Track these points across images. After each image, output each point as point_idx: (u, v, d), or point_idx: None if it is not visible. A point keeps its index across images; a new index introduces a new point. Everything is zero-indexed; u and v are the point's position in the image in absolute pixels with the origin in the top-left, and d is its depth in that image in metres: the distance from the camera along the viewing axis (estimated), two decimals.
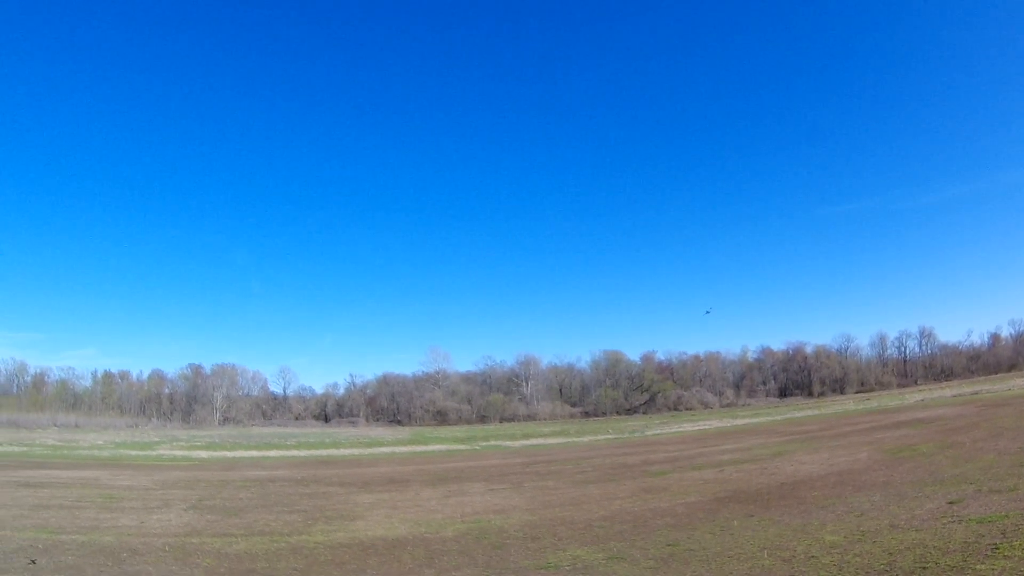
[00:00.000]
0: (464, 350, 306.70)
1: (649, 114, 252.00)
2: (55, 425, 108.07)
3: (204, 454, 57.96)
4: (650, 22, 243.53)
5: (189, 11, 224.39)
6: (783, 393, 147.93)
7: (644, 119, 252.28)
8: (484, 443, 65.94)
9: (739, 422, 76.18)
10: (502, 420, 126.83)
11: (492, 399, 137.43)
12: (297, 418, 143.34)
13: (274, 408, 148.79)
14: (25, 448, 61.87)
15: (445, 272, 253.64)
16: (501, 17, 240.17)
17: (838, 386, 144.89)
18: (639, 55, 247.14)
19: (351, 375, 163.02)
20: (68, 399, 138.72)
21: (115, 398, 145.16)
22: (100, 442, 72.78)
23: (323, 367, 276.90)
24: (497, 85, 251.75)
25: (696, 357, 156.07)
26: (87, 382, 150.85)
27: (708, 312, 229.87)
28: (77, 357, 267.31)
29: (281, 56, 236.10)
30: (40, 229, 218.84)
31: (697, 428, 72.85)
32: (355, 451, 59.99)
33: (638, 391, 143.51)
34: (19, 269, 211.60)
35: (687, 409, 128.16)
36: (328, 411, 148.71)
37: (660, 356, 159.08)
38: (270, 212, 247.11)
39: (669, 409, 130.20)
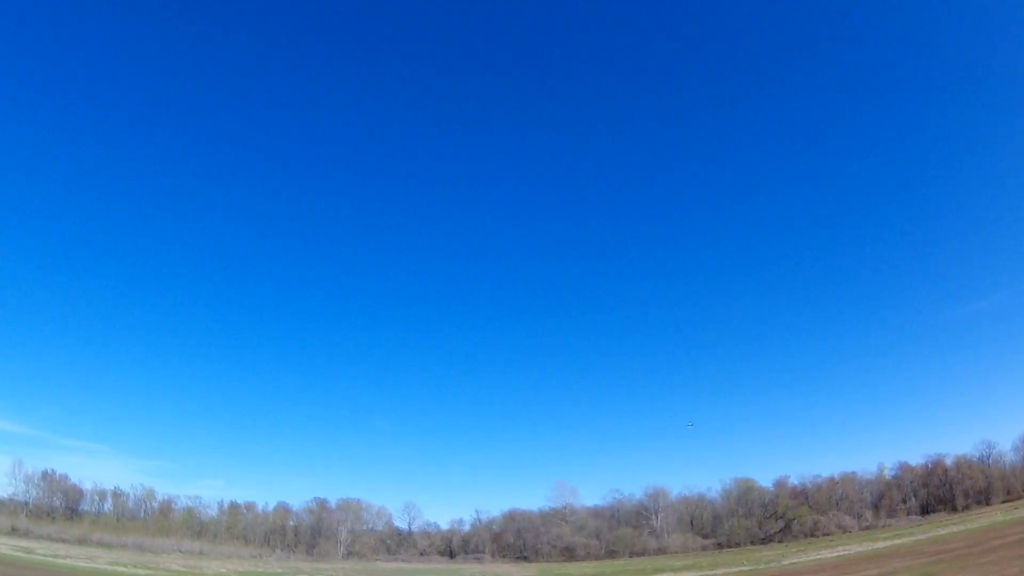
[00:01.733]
0: (591, 483, 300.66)
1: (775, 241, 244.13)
2: (180, 551, 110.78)
3: None
4: None
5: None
6: (925, 510, 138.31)
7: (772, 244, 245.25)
8: None
9: (880, 545, 73.78)
10: (632, 555, 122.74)
11: (621, 533, 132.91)
12: (422, 554, 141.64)
13: (399, 543, 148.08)
14: (149, 571, 62.42)
15: (572, 406, 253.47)
16: None
17: (983, 497, 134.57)
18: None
19: (476, 511, 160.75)
20: (194, 527, 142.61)
21: (240, 528, 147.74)
22: (223, 570, 72.92)
23: (448, 502, 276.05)
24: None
25: (831, 480, 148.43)
26: (213, 511, 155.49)
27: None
28: (204, 487, 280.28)
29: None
30: (174, 365, 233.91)
31: (836, 554, 70.49)
32: None
33: (772, 519, 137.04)
34: (152, 401, 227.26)
35: (824, 535, 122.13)
36: (453, 547, 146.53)
37: (793, 480, 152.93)
38: (396, 350, 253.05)
39: (805, 536, 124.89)
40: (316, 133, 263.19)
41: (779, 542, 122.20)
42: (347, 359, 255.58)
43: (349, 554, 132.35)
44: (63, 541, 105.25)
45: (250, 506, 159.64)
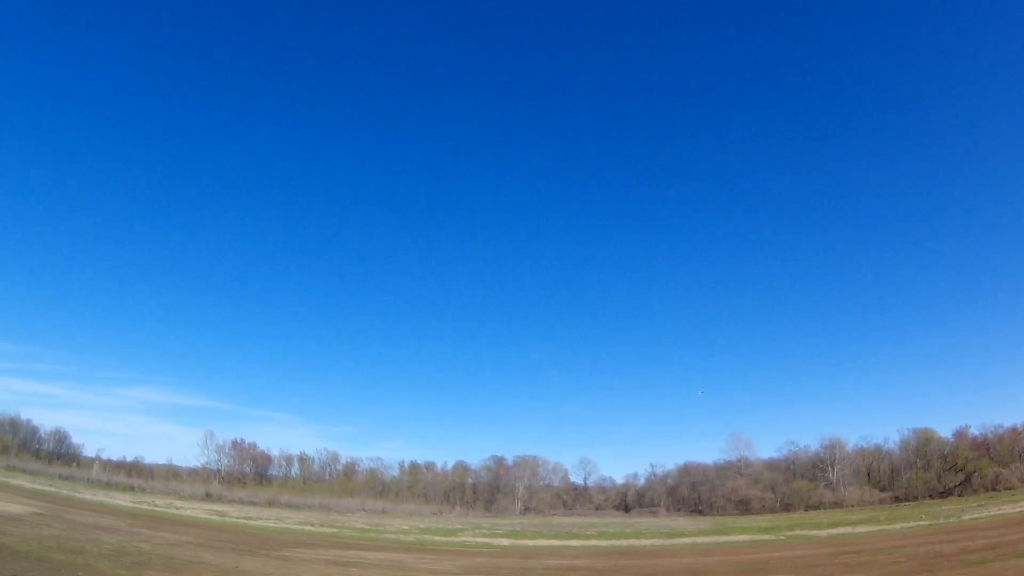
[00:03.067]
0: (766, 435, 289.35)
1: None
2: (363, 510, 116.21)
3: (506, 542, 57.47)
4: None
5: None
6: None
7: None
8: (789, 533, 61.51)
9: None
10: (807, 508, 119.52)
11: (796, 486, 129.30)
12: (597, 508, 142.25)
13: (574, 498, 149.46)
14: (336, 530, 65.75)
15: (747, 356, 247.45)
16: None
17: None
18: None
19: (651, 465, 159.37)
20: (376, 487, 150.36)
21: (420, 487, 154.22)
22: (406, 527, 75.56)
23: (623, 457, 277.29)
24: None
25: (1014, 430, 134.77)
26: (395, 472, 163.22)
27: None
28: (386, 449, 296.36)
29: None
30: (353, 336, 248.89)
31: (1018, 510, 66.27)
32: (656, 541, 57.49)
33: (951, 471, 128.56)
34: (335, 370, 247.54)
35: (1007, 488, 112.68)
36: (628, 501, 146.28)
37: (974, 431, 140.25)
38: (568, 306, 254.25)
39: (986, 490, 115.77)
40: None
41: (958, 496, 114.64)
42: (523, 318, 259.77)
43: (526, 509, 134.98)
44: (254, 504, 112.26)
45: (430, 465, 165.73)
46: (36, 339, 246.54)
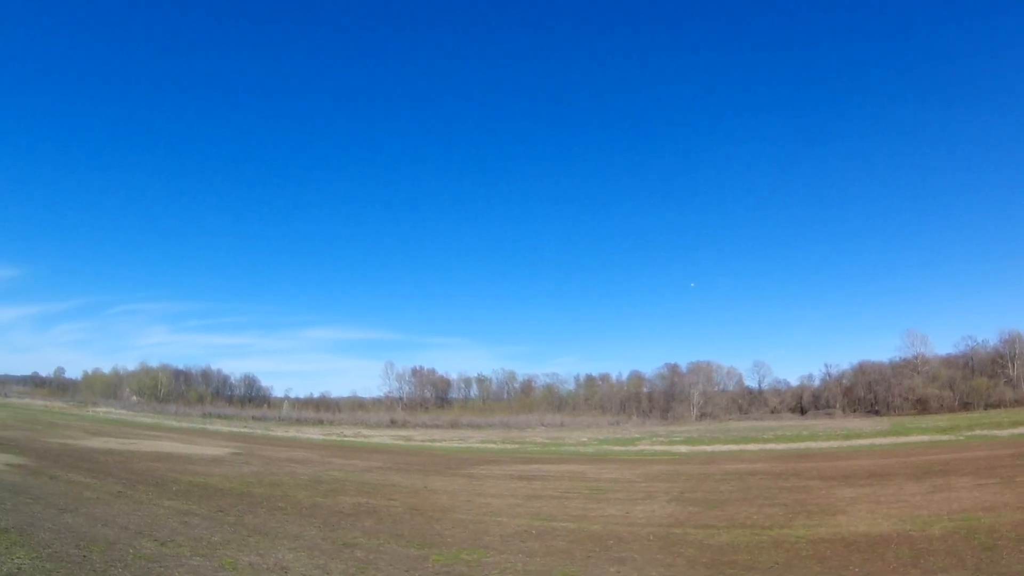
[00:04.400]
0: (943, 330, 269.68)
1: None
2: (542, 425, 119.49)
3: (683, 448, 58.29)
4: None
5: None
6: None
7: None
8: (969, 433, 58.62)
9: None
10: (987, 406, 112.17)
11: (975, 384, 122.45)
12: (773, 411, 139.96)
13: (750, 402, 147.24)
14: (517, 446, 68.29)
15: (920, 247, 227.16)
16: None
17: None
18: None
19: (826, 365, 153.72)
20: (554, 402, 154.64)
21: (597, 399, 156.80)
22: (584, 439, 77.58)
23: (797, 358, 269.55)
24: None
25: None
26: (571, 385, 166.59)
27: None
28: (561, 364, 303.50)
29: None
30: (521, 257, 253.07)
31: None
32: (833, 443, 56.90)
33: None
34: (509, 289, 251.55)
35: None
36: (804, 403, 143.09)
37: None
38: (735, 206, 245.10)
39: None
40: None
41: None
42: (688, 223, 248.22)
43: (702, 415, 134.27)
44: (436, 427, 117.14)
45: (604, 377, 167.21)
46: (222, 295, 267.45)
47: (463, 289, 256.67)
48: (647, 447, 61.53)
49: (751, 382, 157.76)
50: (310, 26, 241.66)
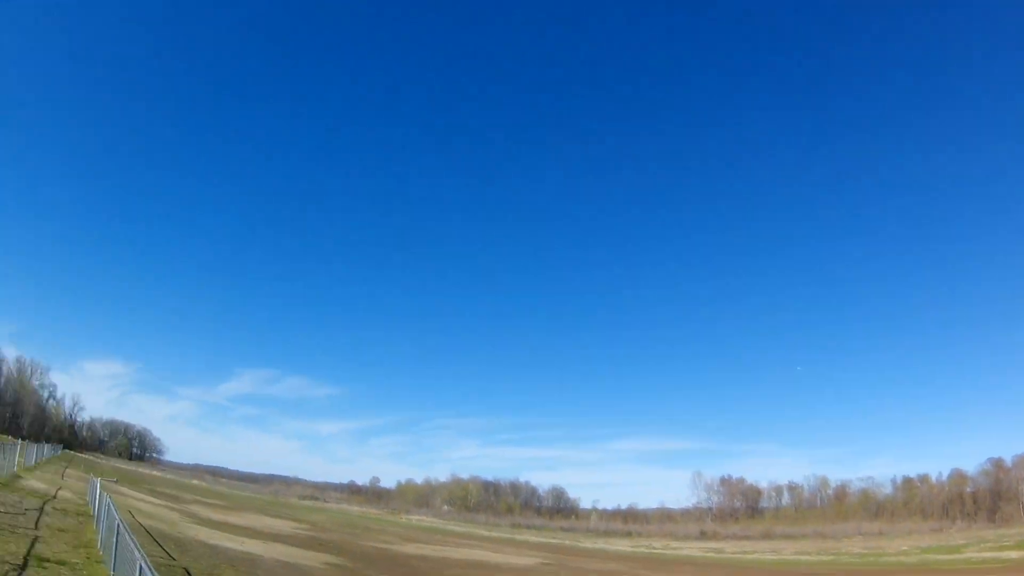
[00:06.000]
0: None
1: None
2: (859, 534, 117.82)
3: (1015, 555, 56.39)
4: None
5: None
6: None
7: None
8: None
9: None
10: None
11: None
12: None
13: None
14: (832, 557, 69.94)
15: None
16: None
17: None
18: None
19: None
20: (870, 507, 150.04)
21: (916, 502, 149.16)
22: (905, 547, 77.53)
23: None
24: None
25: None
26: (887, 489, 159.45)
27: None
28: (875, 465, 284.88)
29: None
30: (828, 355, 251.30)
31: None
32: None
33: None
34: (822, 389, 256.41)
35: None
36: None
37: None
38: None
39: None
40: None
41: None
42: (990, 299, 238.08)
43: None
44: (748, 538, 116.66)
45: (923, 478, 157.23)
46: (532, 410, 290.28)
47: (771, 394, 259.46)
48: (974, 554, 59.71)
49: None
50: None
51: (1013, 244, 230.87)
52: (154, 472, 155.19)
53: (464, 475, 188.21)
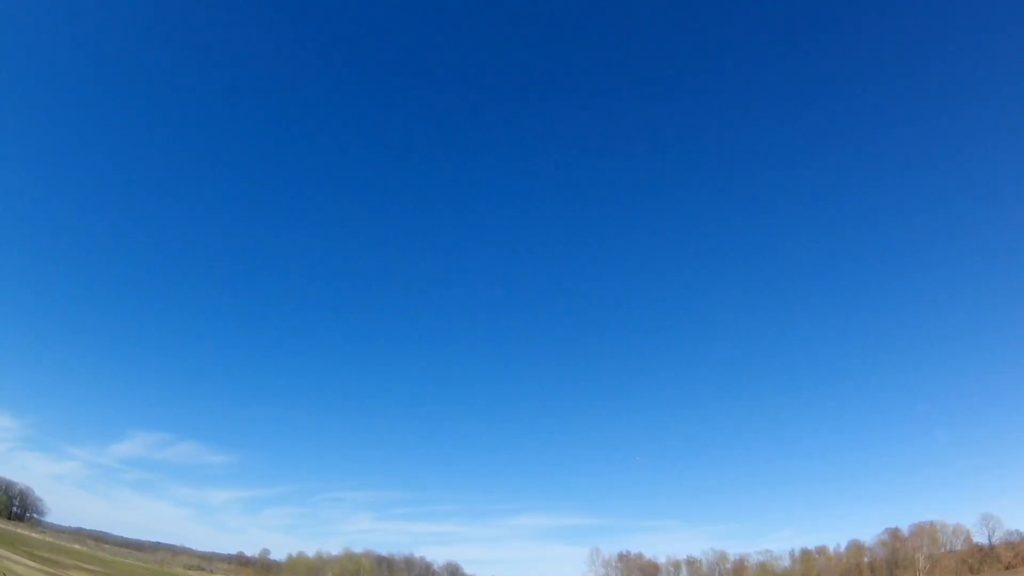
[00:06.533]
0: None
1: None
2: None
3: None
4: None
5: None
6: None
7: None
8: None
9: None
10: None
11: None
12: (1008, 567, 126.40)
13: (980, 560, 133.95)
14: None
15: None
16: None
17: None
18: None
19: None
20: None
21: (815, 574, 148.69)
22: None
23: None
24: None
25: None
26: (786, 562, 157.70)
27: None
28: (775, 540, 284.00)
29: None
30: (731, 433, 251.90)
31: None
32: None
33: None
34: (717, 468, 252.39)
35: None
36: None
37: None
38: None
39: None
40: None
41: None
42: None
43: None
44: None
45: (822, 550, 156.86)
46: (427, 484, 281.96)
47: (670, 469, 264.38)
48: None
49: (980, 538, 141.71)
50: None
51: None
52: (33, 534, 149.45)
53: (358, 549, 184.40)
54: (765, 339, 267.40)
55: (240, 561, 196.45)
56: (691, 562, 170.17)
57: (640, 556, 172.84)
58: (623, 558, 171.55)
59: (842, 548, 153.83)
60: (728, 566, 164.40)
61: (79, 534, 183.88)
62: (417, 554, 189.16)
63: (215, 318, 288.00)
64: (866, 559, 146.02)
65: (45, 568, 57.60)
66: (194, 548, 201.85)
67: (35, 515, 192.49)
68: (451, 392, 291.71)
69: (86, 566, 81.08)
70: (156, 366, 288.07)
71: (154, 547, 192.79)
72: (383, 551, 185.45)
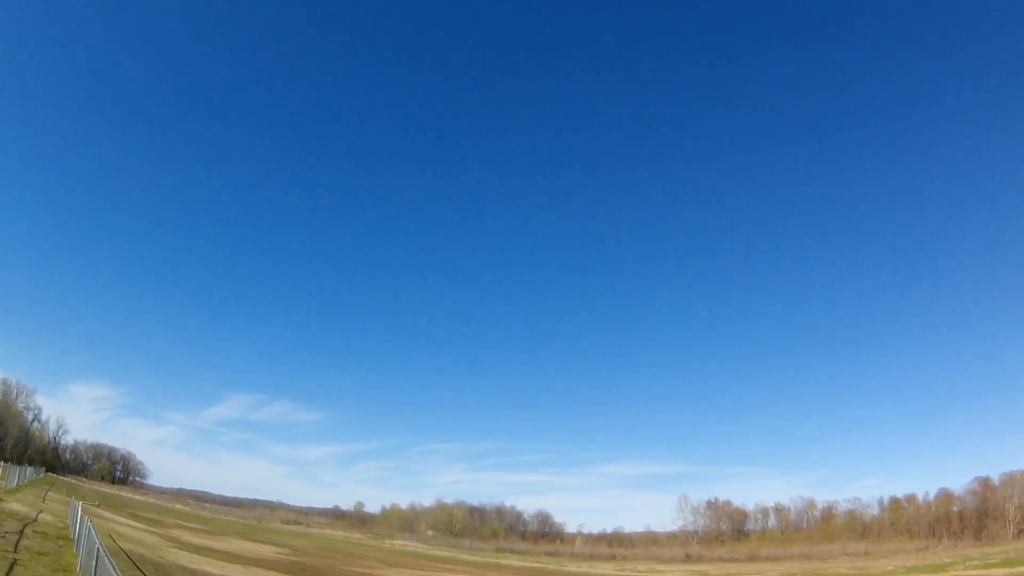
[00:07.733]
0: None
1: None
2: (845, 554, 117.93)
3: (999, 572, 57.21)
4: None
5: None
6: None
7: None
8: None
9: None
10: None
11: None
12: None
13: None
14: None
15: None
16: None
17: None
18: None
19: None
20: (857, 528, 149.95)
21: (903, 522, 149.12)
22: (891, 567, 78.09)
23: None
24: None
25: None
26: (874, 510, 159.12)
27: None
28: (863, 488, 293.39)
29: None
30: (820, 379, 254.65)
31: None
32: None
33: None
34: (805, 413, 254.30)
35: None
36: None
37: None
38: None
39: None
40: None
41: None
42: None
43: (1020, 532, 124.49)
44: (733, 560, 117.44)
45: (911, 498, 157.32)
46: (518, 435, 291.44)
47: (758, 416, 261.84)
48: (959, 572, 61.00)
49: None
50: None
51: (1005, 254, 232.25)
52: (136, 496, 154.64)
53: (449, 500, 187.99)
54: (852, 290, 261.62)
55: (336, 515, 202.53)
56: (779, 509, 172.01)
57: (728, 503, 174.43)
58: (711, 505, 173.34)
59: (931, 497, 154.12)
60: (816, 513, 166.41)
61: (180, 494, 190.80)
62: (508, 504, 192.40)
63: (303, 279, 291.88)
64: (955, 508, 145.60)
65: (149, 528, 59.75)
66: (291, 504, 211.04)
67: (137, 478, 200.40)
68: (539, 346, 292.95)
69: (188, 524, 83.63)
70: (248, 328, 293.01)
71: (252, 504, 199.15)
72: (474, 502, 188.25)
